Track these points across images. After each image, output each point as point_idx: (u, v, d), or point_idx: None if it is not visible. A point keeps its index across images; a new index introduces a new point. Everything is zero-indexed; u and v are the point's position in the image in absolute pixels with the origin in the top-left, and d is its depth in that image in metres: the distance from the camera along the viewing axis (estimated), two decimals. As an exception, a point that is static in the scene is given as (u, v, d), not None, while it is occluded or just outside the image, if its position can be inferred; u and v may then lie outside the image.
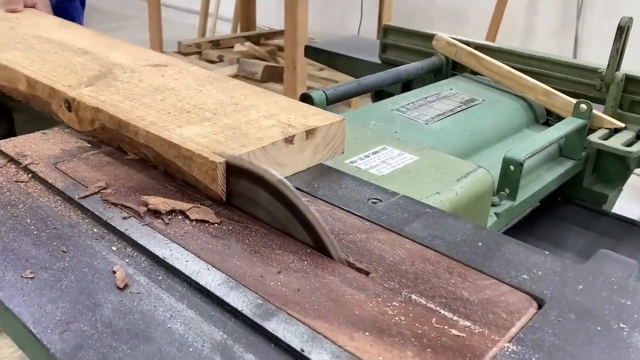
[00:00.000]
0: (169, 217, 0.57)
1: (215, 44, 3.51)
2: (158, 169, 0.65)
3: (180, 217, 0.57)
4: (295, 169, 0.65)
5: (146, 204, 0.58)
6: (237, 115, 0.68)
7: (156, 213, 0.57)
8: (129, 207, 0.58)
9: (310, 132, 0.64)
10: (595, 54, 2.76)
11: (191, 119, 0.66)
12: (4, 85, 0.85)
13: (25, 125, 1.03)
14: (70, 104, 0.73)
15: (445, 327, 0.44)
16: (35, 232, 0.55)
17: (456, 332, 0.43)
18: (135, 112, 0.68)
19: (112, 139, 0.70)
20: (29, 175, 0.65)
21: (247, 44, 3.45)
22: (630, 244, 0.89)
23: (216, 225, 0.56)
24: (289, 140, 0.63)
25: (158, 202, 0.59)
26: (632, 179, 1.01)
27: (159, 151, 0.63)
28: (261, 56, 3.37)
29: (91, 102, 0.71)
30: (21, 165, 0.66)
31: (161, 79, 0.79)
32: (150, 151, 0.64)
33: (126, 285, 0.48)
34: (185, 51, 3.42)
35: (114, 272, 0.49)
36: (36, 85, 0.79)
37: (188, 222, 0.56)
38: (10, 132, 1.06)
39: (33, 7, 1.22)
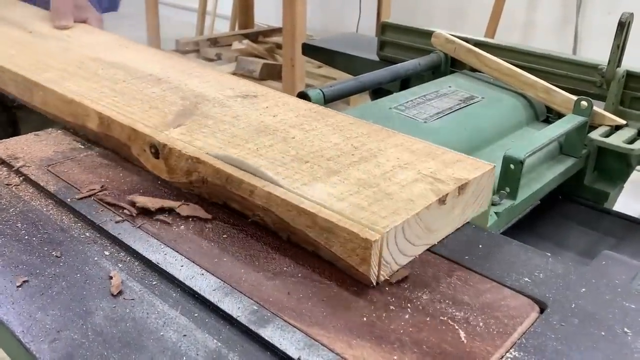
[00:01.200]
0: (160, 216, 0.56)
1: (214, 41, 3.49)
2: (280, 235, 0.54)
3: (171, 218, 0.56)
4: (443, 232, 0.54)
5: (133, 204, 0.57)
6: (366, 165, 0.57)
7: (145, 211, 0.57)
8: (121, 207, 0.57)
9: (462, 188, 0.54)
10: (595, 49, 2.75)
11: (315, 173, 0.55)
12: (69, 121, 0.74)
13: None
14: (158, 150, 0.61)
15: (445, 333, 0.43)
16: (26, 237, 0.54)
17: (456, 338, 0.42)
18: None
19: (215, 195, 0.58)
20: (21, 178, 0.64)
21: (245, 41, 3.43)
22: (633, 243, 0.88)
23: (210, 228, 0.55)
24: (442, 200, 0.52)
25: (145, 200, 0.58)
26: (634, 176, 1.00)
27: (283, 217, 0.52)
28: (259, 54, 3.35)
29: (187, 149, 0.59)
30: (13, 168, 0.65)
31: (258, 116, 0.68)
32: (271, 216, 0.53)
33: (120, 292, 0.47)
34: (183, 49, 3.41)
35: (111, 277, 0.48)
36: (112, 125, 0.67)
37: (182, 226, 0.55)
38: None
39: (84, 22, 1.10)
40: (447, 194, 0.52)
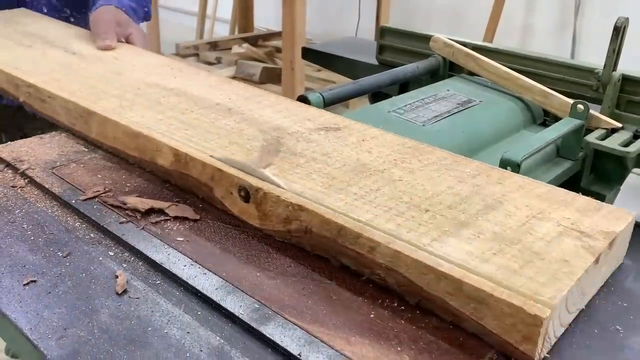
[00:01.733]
0: (163, 217, 0.57)
1: (213, 45, 3.51)
2: (406, 299, 0.47)
3: (175, 220, 0.57)
4: (591, 294, 0.49)
5: (124, 203, 0.59)
6: (495, 215, 0.50)
7: (135, 211, 0.58)
8: (124, 208, 0.58)
9: (611, 243, 0.48)
10: (593, 53, 2.76)
11: (441, 225, 0.48)
12: (132, 156, 0.67)
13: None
14: (249, 194, 0.54)
15: (442, 330, 0.44)
16: (32, 238, 0.55)
17: (453, 336, 0.43)
18: (356, 214, 0.49)
19: (320, 247, 0.52)
20: (26, 180, 0.65)
21: (245, 45, 3.45)
22: (631, 245, 0.89)
23: (213, 229, 0.56)
24: (597, 259, 0.46)
25: (136, 201, 0.59)
26: (630, 179, 1.01)
27: (414, 280, 0.45)
28: (259, 58, 3.37)
29: (286, 195, 0.52)
30: (18, 171, 0.66)
31: (350, 152, 0.61)
32: (396, 277, 0.46)
33: (125, 291, 0.48)
34: (183, 53, 3.42)
35: (117, 276, 0.49)
36: (190, 163, 0.60)
37: (185, 228, 0.56)
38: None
39: (127, 39, 1.04)
40: (600, 252, 0.46)
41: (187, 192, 0.62)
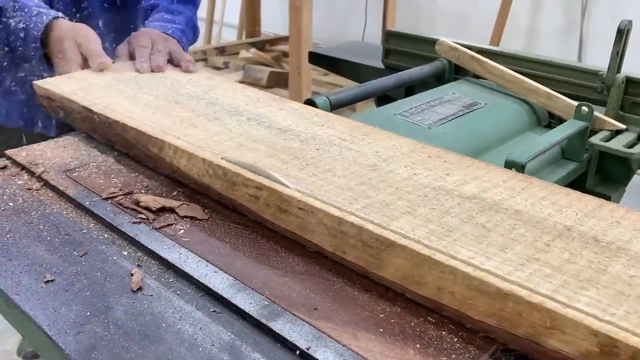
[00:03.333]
0: (175, 217, 0.59)
1: (221, 50, 3.54)
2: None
3: (186, 220, 0.59)
4: None
5: (137, 202, 0.61)
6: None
7: (147, 210, 0.60)
8: (137, 209, 0.60)
9: None
10: (600, 55, 2.76)
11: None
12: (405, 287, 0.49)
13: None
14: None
15: (446, 325, 0.45)
16: (48, 239, 0.56)
17: (458, 332, 0.45)
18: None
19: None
20: (41, 183, 0.67)
21: (252, 50, 3.47)
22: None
23: (223, 229, 0.58)
24: None
25: (149, 199, 0.61)
26: (635, 180, 1.02)
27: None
28: (266, 62, 3.39)
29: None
30: (33, 174, 0.68)
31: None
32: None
33: (139, 288, 0.50)
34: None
35: (132, 274, 0.51)
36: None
37: (196, 228, 0.58)
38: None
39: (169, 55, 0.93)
40: None
41: (199, 194, 0.64)
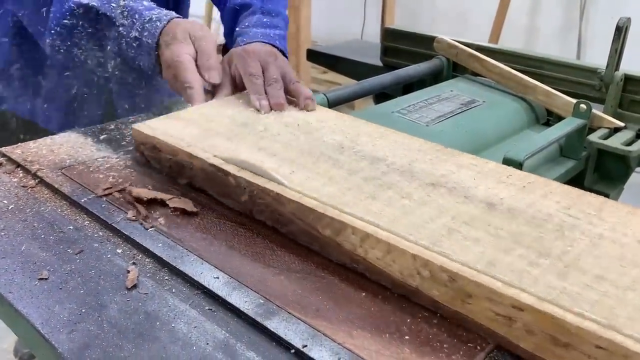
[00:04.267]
0: (170, 215, 0.59)
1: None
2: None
3: (182, 217, 0.58)
4: None
5: (131, 193, 0.61)
6: None
7: (138, 200, 0.60)
8: (132, 207, 0.59)
9: None
10: (599, 54, 2.76)
11: None
12: None
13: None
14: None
15: (443, 324, 0.45)
16: (42, 236, 0.56)
17: (454, 331, 0.44)
18: None
19: None
20: (36, 180, 0.66)
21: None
22: None
23: (219, 227, 0.57)
24: None
25: (141, 191, 0.61)
26: (634, 178, 1.01)
27: None
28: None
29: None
30: (28, 171, 0.67)
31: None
32: None
33: (134, 286, 0.49)
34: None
35: (128, 271, 0.51)
36: None
37: (192, 225, 0.57)
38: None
39: (291, 89, 0.78)
40: None
41: (195, 190, 0.63)
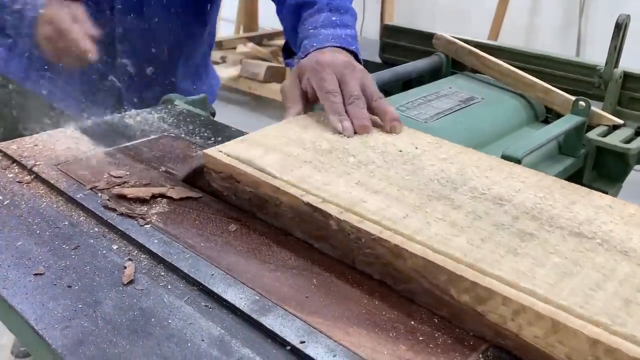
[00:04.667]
0: (166, 210, 0.59)
1: (218, 45, 3.52)
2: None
3: (178, 213, 0.58)
4: None
5: (124, 196, 0.60)
6: None
7: (138, 201, 0.59)
8: (128, 203, 0.59)
9: None
10: (598, 52, 2.75)
11: None
12: None
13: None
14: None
15: (438, 323, 0.44)
16: (37, 232, 0.56)
17: (450, 329, 0.44)
18: None
19: None
20: (32, 176, 0.66)
21: (250, 44, 3.46)
22: None
23: (215, 222, 0.57)
24: None
25: (134, 191, 0.60)
26: (632, 176, 1.01)
27: None
28: (264, 57, 3.38)
29: None
30: (24, 167, 0.67)
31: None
32: None
33: (130, 282, 0.49)
34: (189, 52, 3.44)
35: (125, 267, 0.50)
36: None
37: (188, 221, 0.57)
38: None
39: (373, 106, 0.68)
40: None
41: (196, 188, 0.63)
